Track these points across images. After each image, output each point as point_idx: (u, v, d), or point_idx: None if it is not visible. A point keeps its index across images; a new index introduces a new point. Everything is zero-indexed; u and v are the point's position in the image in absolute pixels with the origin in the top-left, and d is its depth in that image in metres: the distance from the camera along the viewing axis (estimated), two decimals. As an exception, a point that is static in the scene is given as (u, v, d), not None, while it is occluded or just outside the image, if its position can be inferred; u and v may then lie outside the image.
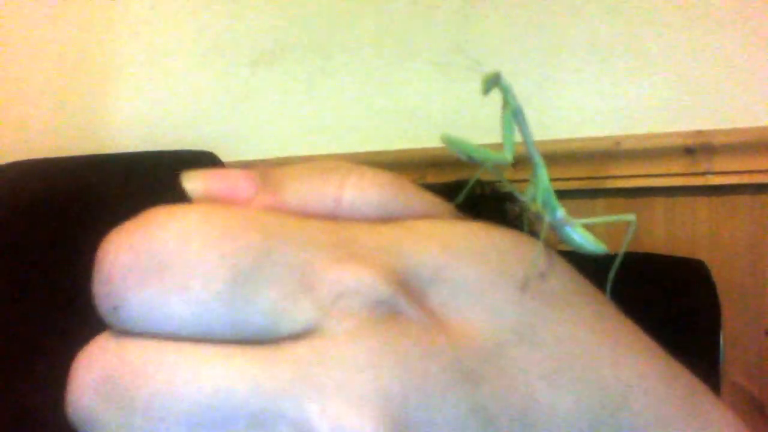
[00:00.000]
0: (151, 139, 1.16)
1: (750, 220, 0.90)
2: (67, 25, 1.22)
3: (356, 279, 0.16)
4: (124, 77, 1.20)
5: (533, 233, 0.22)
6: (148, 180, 0.81)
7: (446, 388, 0.16)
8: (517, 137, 0.26)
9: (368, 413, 0.15)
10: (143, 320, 0.16)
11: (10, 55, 1.24)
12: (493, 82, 0.25)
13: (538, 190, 0.25)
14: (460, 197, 0.23)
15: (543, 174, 0.25)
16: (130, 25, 1.19)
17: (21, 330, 0.75)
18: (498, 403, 0.16)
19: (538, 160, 0.26)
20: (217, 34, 1.15)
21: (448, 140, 0.24)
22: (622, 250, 0.27)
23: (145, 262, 0.16)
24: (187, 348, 0.15)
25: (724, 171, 0.90)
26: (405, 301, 0.16)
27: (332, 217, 0.18)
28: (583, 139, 0.95)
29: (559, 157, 0.93)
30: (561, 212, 0.26)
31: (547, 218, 0.25)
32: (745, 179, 0.89)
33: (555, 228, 0.26)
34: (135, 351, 0.16)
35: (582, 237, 0.26)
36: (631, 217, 0.29)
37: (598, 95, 0.96)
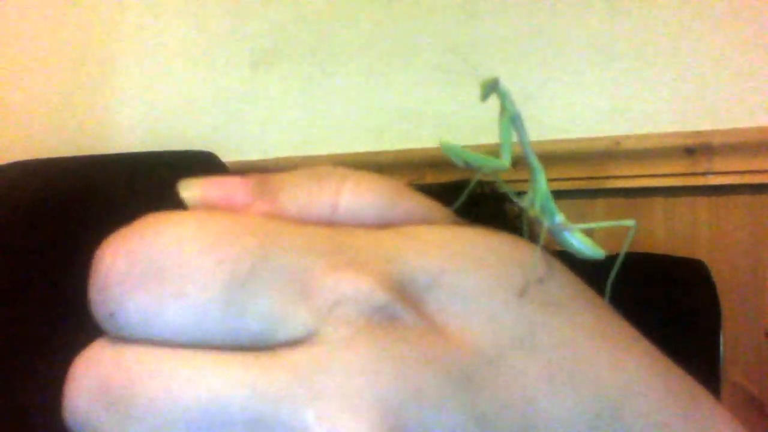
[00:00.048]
0: (152, 139, 1.16)
1: (750, 220, 0.90)
2: (67, 25, 1.22)
3: (354, 286, 0.16)
4: (124, 77, 1.20)
5: (533, 234, 0.22)
6: (148, 180, 0.81)
7: (444, 394, 0.16)
8: (515, 141, 0.26)
9: (365, 419, 0.15)
10: (140, 326, 0.16)
11: (11, 55, 1.24)
12: (491, 87, 0.25)
13: (537, 195, 0.25)
14: (459, 201, 0.23)
15: (541, 179, 0.25)
16: (131, 25, 1.19)
17: (21, 330, 0.75)
18: (497, 409, 0.16)
19: (537, 166, 0.26)
20: (217, 34, 1.15)
21: (446, 147, 0.24)
22: (621, 254, 0.27)
23: (142, 268, 0.16)
24: (184, 354, 0.15)
25: (724, 171, 0.90)
26: (402, 308, 0.16)
27: (329, 223, 0.18)
28: (583, 139, 0.95)
29: (559, 157, 0.93)
30: (559, 217, 0.26)
31: (545, 223, 0.25)
32: (745, 179, 0.89)
33: (553, 233, 0.26)
34: (131, 357, 0.16)
35: (580, 242, 0.26)
36: (630, 222, 0.29)
37: (598, 95, 0.96)
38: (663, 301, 0.76)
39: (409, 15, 1.05)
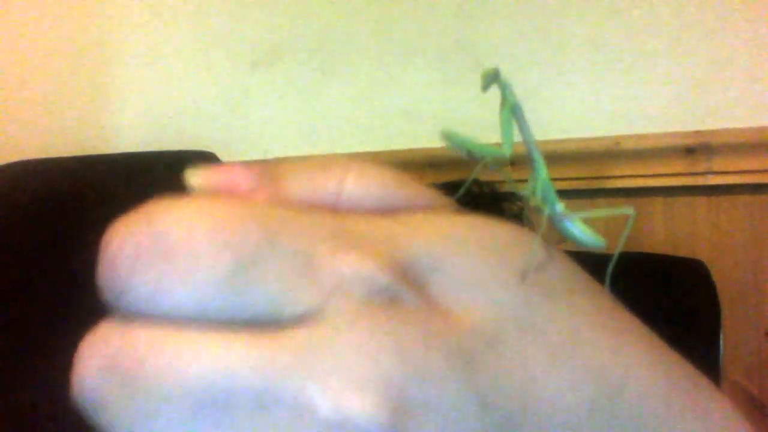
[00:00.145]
0: (151, 139, 1.16)
1: (750, 220, 0.90)
2: (67, 25, 1.22)
3: (356, 267, 0.16)
4: (124, 77, 1.20)
5: (534, 229, 0.22)
6: (148, 180, 0.81)
7: (446, 373, 0.16)
8: (516, 135, 0.26)
9: (368, 395, 0.15)
10: (147, 305, 0.16)
11: (11, 55, 1.24)
12: (492, 78, 0.25)
13: (537, 184, 0.25)
14: (459, 193, 0.23)
15: (542, 168, 0.26)
16: (131, 25, 1.19)
17: (21, 330, 0.75)
18: (497, 389, 0.16)
19: (537, 155, 0.26)
20: (217, 34, 1.15)
21: (447, 136, 0.24)
22: (620, 242, 0.27)
23: (150, 249, 0.16)
24: (190, 332, 0.16)
25: (723, 171, 0.90)
26: (404, 289, 0.16)
27: (333, 210, 0.18)
28: (583, 139, 0.95)
29: (559, 157, 0.93)
30: (560, 206, 0.26)
31: (546, 212, 0.25)
32: (745, 179, 0.89)
33: (554, 222, 0.26)
34: (139, 335, 0.16)
35: (581, 231, 0.26)
36: (629, 210, 0.29)
37: (598, 95, 0.96)
38: (663, 301, 0.76)
39: (409, 15, 1.05)
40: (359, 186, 0.19)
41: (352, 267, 0.16)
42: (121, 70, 1.20)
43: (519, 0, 1.00)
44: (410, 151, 1.01)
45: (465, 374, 0.16)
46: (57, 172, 0.90)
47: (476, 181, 0.84)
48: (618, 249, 0.27)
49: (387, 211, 0.19)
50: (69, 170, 0.91)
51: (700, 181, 0.91)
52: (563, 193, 0.26)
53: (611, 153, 0.93)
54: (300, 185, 0.18)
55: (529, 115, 0.26)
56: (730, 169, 0.90)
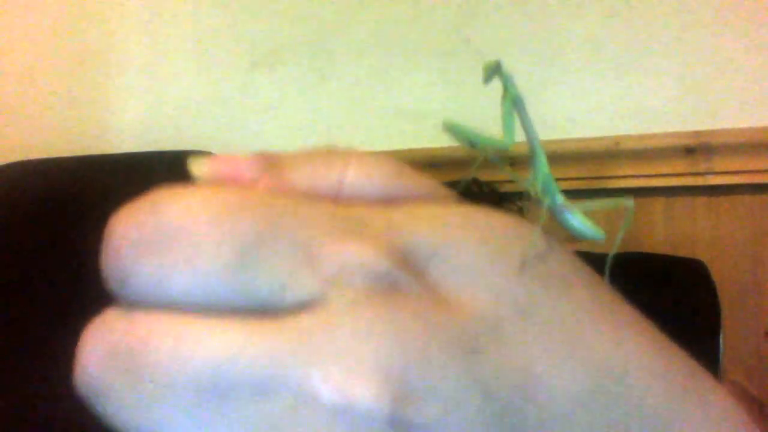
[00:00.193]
0: (151, 139, 1.16)
1: (750, 220, 0.90)
2: (68, 25, 1.22)
3: (358, 254, 0.16)
4: (124, 77, 1.20)
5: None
6: (148, 180, 0.81)
7: (446, 360, 0.16)
8: (518, 135, 0.26)
9: (370, 380, 0.15)
10: (150, 292, 0.16)
11: (11, 55, 1.24)
12: (493, 70, 0.25)
13: (538, 175, 0.25)
14: (460, 187, 0.23)
15: (542, 160, 0.26)
16: (131, 25, 1.19)
17: (21, 330, 0.75)
18: (497, 376, 0.16)
19: (538, 147, 0.26)
20: (217, 34, 1.15)
21: (449, 127, 0.24)
22: (620, 233, 0.27)
23: (153, 236, 0.16)
24: (193, 318, 0.16)
25: (723, 171, 0.90)
26: (405, 276, 0.17)
27: (334, 199, 0.18)
28: (583, 139, 0.95)
29: (559, 157, 0.93)
30: (560, 198, 0.26)
31: (546, 203, 0.25)
32: (745, 179, 0.89)
33: (554, 213, 0.26)
34: (142, 321, 0.16)
35: (581, 222, 0.26)
36: (628, 201, 0.29)
37: (598, 95, 0.96)
38: (663, 301, 0.76)
39: (409, 15, 1.05)
40: (360, 176, 0.19)
41: (353, 254, 0.16)
42: (121, 70, 1.20)
43: (519, 0, 1.00)
44: (410, 151, 1.01)
45: (465, 362, 0.16)
46: (57, 172, 0.90)
47: (476, 181, 0.84)
48: (618, 239, 0.27)
49: (388, 200, 0.19)
50: (69, 170, 0.91)
51: (700, 181, 0.91)
52: (563, 193, 0.26)
53: (611, 153, 0.93)
54: (302, 175, 0.18)
55: (530, 114, 0.26)
56: (730, 169, 0.90)
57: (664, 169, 0.92)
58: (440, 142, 0.97)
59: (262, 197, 0.17)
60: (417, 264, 0.17)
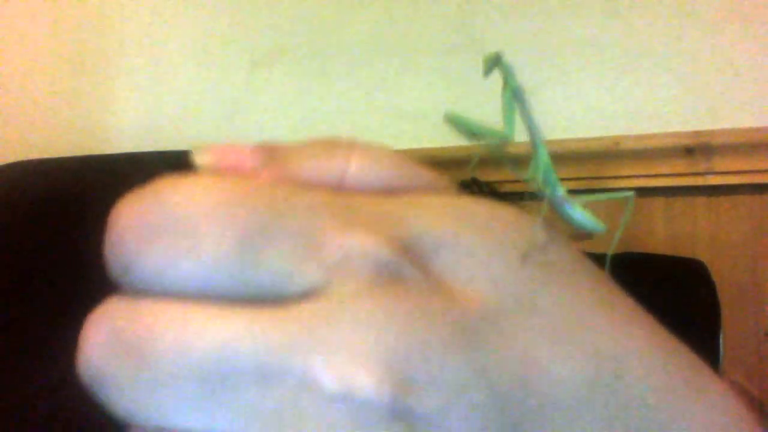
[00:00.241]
0: (151, 139, 1.16)
1: (750, 220, 0.90)
2: (68, 25, 1.22)
3: (360, 243, 0.16)
4: (124, 77, 1.20)
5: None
6: (148, 180, 0.81)
7: (448, 349, 0.16)
8: (519, 135, 0.26)
9: (372, 369, 0.15)
10: (153, 280, 0.16)
11: (11, 55, 1.24)
12: (493, 62, 0.25)
13: (539, 167, 0.25)
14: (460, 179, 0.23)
15: (543, 151, 0.26)
16: (131, 25, 1.19)
17: (21, 330, 0.75)
18: (498, 366, 0.17)
19: (539, 138, 0.26)
20: (217, 34, 1.15)
21: (451, 117, 0.24)
22: (621, 224, 0.27)
23: (157, 224, 0.16)
24: (196, 306, 0.16)
25: (723, 171, 0.90)
26: (407, 266, 0.17)
27: (337, 190, 0.18)
28: (583, 139, 0.95)
29: (559, 157, 0.93)
30: (561, 190, 0.26)
31: (547, 195, 0.25)
32: (745, 179, 0.89)
33: (555, 205, 0.26)
34: (145, 309, 0.16)
35: (581, 215, 0.26)
36: (628, 193, 0.29)
37: (598, 95, 0.97)
38: (663, 301, 0.76)
39: (410, 15, 1.05)
40: (363, 167, 0.19)
41: (356, 244, 0.16)
42: (121, 70, 1.20)
43: (519, 0, 1.00)
44: (410, 151, 1.01)
45: (467, 351, 0.16)
46: (57, 172, 0.90)
47: (476, 181, 0.84)
48: (619, 232, 0.27)
49: (390, 191, 0.19)
50: (69, 170, 0.91)
51: (700, 181, 0.91)
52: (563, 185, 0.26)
53: (611, 153, 0.93)
54: (304, 166, 0.19)
55: (532, 105, 0.26)
56: (730, 169, 0.90)
57: (664, 169, 0.92)
58: (440, 142, 0.97)
59: (265, 186, 0.17)
60: (419, 254, 0.17)
